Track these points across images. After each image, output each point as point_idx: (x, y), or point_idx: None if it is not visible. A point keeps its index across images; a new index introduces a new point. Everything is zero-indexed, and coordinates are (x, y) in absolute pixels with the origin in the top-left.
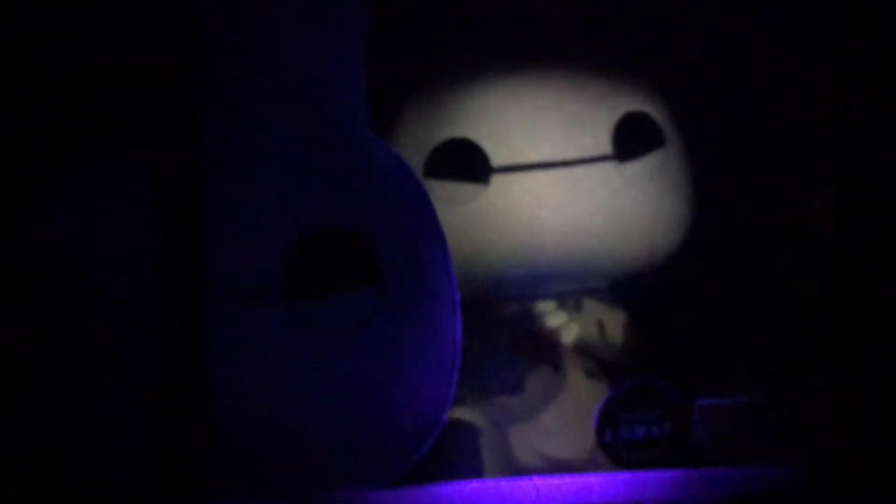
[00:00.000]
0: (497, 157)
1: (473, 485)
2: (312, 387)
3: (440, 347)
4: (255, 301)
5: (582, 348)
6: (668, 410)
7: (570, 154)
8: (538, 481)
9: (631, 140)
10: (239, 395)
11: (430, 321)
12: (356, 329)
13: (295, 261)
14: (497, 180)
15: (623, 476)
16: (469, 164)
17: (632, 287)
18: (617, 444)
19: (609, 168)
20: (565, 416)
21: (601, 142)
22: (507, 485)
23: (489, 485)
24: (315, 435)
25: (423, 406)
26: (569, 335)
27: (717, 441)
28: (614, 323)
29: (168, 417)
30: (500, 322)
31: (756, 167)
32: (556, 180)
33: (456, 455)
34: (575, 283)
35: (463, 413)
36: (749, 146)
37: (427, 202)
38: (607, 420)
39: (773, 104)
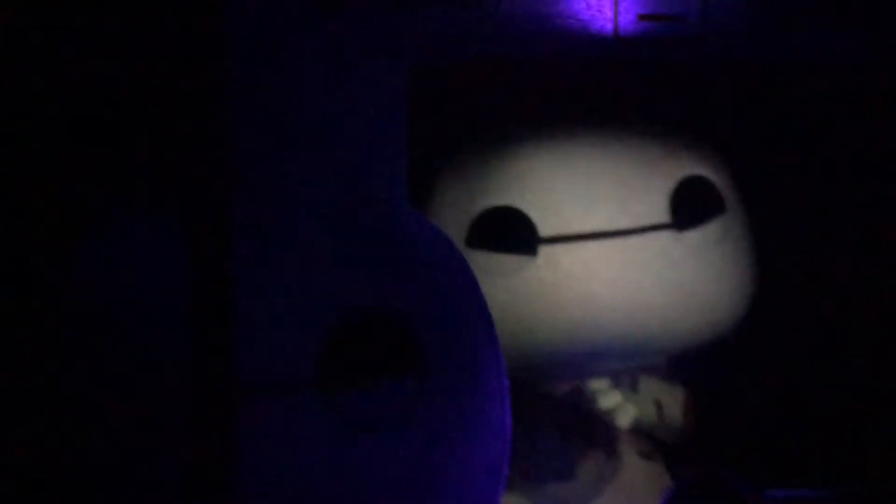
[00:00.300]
0: (545, 227)
1: None
2: (351, 487)
3: (489, 440)
4: (287, 392)
5: (638, 430)
6: None
7: (625, 223)
8: None
9: (690, 207)
10: (271, 496)
11: (477, 411)
12: (397, 422)
13: (330, 348)
14: (545, 251)
15: None
16: (515, 234)
17: (692, 363)
18: None
19: (667, 237)
20: (621, 502)
21: (658, 210)
22: None
23: None
24: None
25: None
26: (625, 417)
27: None
28: (673, 402)
29: None
30: (551, 402)
31: (823, 231)
32: (609, 251)
33: None
34: (630, 360)
35: (510, 500)
36: (815, 210)
37: (471, 279)
38: None
39: (840, 165)
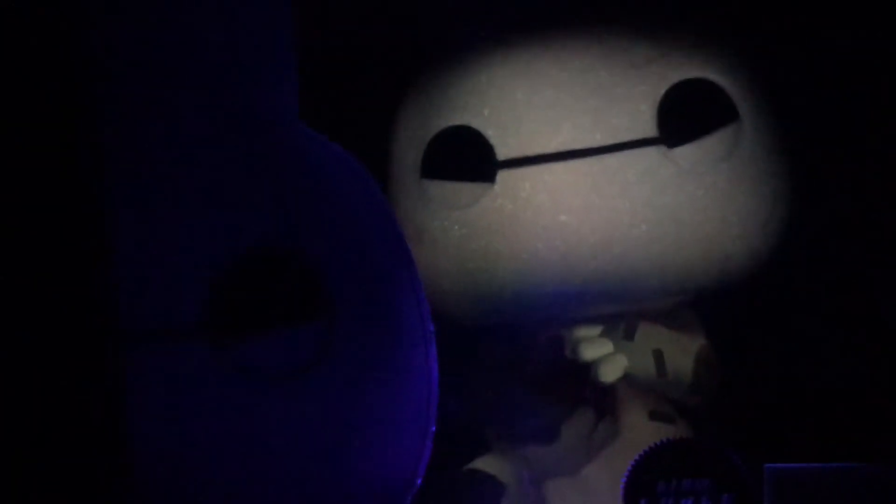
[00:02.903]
0: (504, 148)
1: None
2: (248, 445)
3: (410, 392)
4: (173, 342)
5: (636, 386)
6: (726, 477)
7: (599, 139)
8: None
9: (684, 117)
10: (160, 452)
11: (395, 359)
12: (300, 373)
13: (220, 293)
14: (504, 177)
15: None
16: (469, 158)
17: (711, 308)
18: None
19: (653, 155)
20: (616, 470)
21: (642, 121)
22: None
23: None
24: (256, 501)
25: (390, 465)
26: (610, 369)
27: None
28: (679, 354)
29: (86, 473)
30: (532, 353)
31: (865, 152)
32: (579, 174)
33: None
34: (618, 303)
35: (487, 464)
36: (856, 122)
37: (387, 213)
38: (640, 489)
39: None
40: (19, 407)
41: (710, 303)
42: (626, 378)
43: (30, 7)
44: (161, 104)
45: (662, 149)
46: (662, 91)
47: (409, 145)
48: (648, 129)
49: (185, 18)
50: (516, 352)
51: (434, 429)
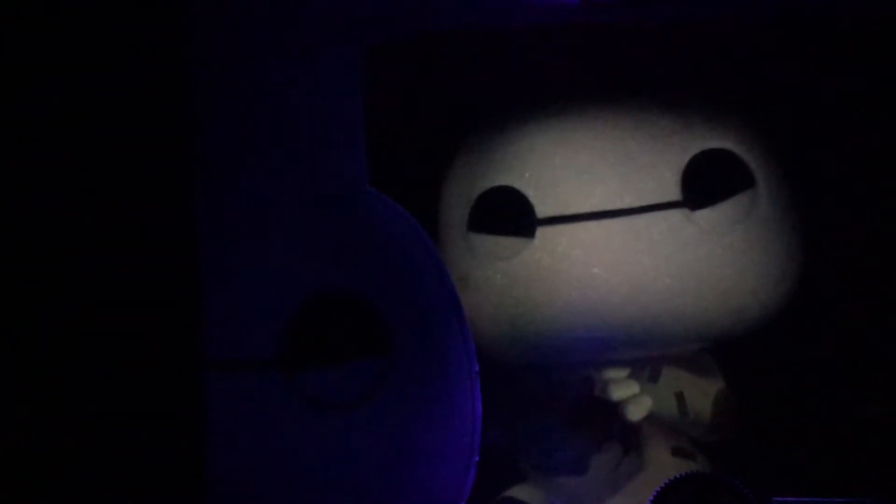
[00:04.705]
0: (543, 207)
1: None
2: (312, 467)
3: (456, 425)
4: (251, 372)
5: (660, 423)
6: None
7: (629, 202)
8: None
9: (705, 183)
10: (235, 470)
11: (443, 395)
12: (360, 404)
13: (294, 329)
14: (543, 233)
15: None
16: (512, 215)
17: (728, 354)
18: None
19: (677, 216)
20: (641, 500)
21: (667, 186)
22: None
23: None
24: None
25: (436, 491)
26: (637, 409)
27: None
28: (699, 396)
29: (166, 490)
30: (564, 391)
31: (876, 210)
32: (611, 232)
33: None
34: (643, 349)
35: (522, 492)
36: (867, 186)
37: (438, 264)
38: None
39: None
40: (113, 423)
41: (728, 350)
42: (651, 417)
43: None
44: (253, 166)
45: (685, 211)
46: (685, 159)
47: (458, 202)
48: (672, 193)
49: (273, 89)
50: (550, 390)
51: (477, 458)
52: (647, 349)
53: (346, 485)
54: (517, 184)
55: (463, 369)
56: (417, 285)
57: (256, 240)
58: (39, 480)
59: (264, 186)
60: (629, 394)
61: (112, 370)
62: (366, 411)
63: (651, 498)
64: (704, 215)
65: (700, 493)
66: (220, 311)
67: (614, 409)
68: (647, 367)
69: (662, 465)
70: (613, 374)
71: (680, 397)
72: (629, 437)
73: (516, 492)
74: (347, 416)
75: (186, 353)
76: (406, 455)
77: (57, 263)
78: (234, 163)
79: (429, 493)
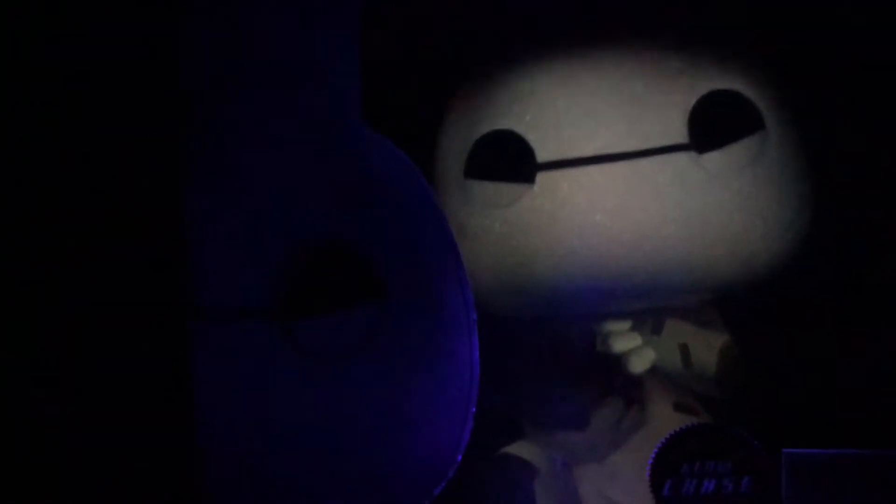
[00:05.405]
0: (544, 152)
1: None
2: (306, 418)
3: (454, 374)
4: (241, 321)
5: (661, 378)
6: (746, 461)
7: (633, 145)
8: None
9: (713, 125)
10: (226, 423)
11: (440, 344)
12: (354, 353)
13: (286, 277)
14: (543, 178)
15: None
16: (511, 160)
17: (734, 306)
18: (679, 500)
19: (684, 160)
20: (642, 457)
21: (674, 129)
22: None
23: None
24: (310, 474)
25: (433, 442)
26: (639, 362)
27: (813, 503)
28: (703, 349)
29: (155, 440)
30: (565, 344)
31: (889, 155)
32: (614, 177)
33: (508, 498)
34: (648, 299)
35: (521, 449)
36: (881, 129)
37: (435, 209)
38: (665, 470)
39: None
40: (99, 372)
41: (734, 301)
42: (654, 370)
43: (130, 13)
44: (238, 105)
45: (692, 154)
46: (693, 100)
47: (456, 147)
48: (679, 135)
49: (263, 28)
50: (551, 343)
51: (474, 409)
52: (651, 300)
53: (338, 437)
54: (517, 128)
55: (460, 317)
56: (412, 231)
57: (246, 182)
58: (21, 435)
59: (254, 128)
60: (631, 346)
61: (92, 317)
62: (360, 361)
63: (656, 449)
64: (712, 159)
65: (707, 446)
66: (207, 257)
67: (616, 363)
68: (649, 319)
69: (665, 420)
70: (615, 326)
71: (684, 350)
72: (631, 392)
73: (516, 448)
74: (341, 367)
75: (172, 301)
76: (402, 405)
77: (33, 207)
78: (223, 103)
79: (425, 444)
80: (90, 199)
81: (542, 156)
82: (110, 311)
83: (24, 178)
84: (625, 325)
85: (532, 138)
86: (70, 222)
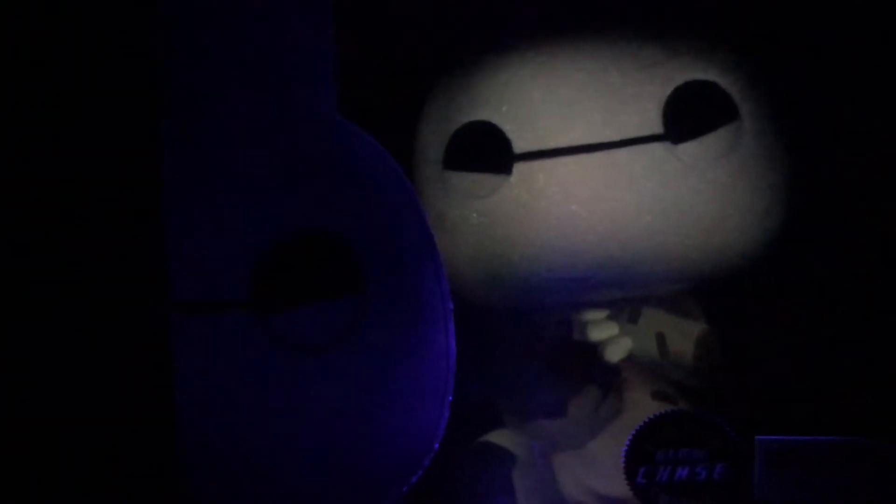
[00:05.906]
0: (521, 142)
1: None
2: (286, 408)
3: (430, 364)
4: (221, 313)
5: (640, 366)
6: (719, 448)
7: (609, 135)
8: None
9: (688, 116)
10: (206, 414)
11: (418, 334)
12: (332, 344)
13: (264, 268)
14: (520, 169)
15: None
16: (488, 151)
17: (710, 295)
18: (653, 487)
19: (659, 151)
20: (619, 445)
21: (649, 119)
22: None
23: None
24: (290, 463)
25: (411, 430)
26: (615, 350)
27: (785, 490)
28: (680, 338)
29: (135, 432)
30: (542, 333)
31: (864, 148)
32: (589, 168)
33: (486, 486)
34: (623, 289)
35: (500, 437)
36: (857, 121)
37: (412, 199)
38: (639, 457)
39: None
40: (77, 365)
41: (710, 290)
42: (631, 358)
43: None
44: (214, 99)
45: (668, 145)
46: (668, 91)
47: (433, 138)
48: (655, 126)
49: (237, 22)
50: (528, 332)
51: (451, 398)
52: (628, 289)
53: (318, 427)
54: (494, 118)
55: (437, 307)
56: (390, 222)
57: (223, 175)
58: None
59: (231, 120)
60: (608, 335)
61: (71, 310)
62: (338, 351)
63: (630, 437)
64: (687, 149)
65: (681, 433)
66: (186, 249)
67: (593, 352)
68: (626, 308)
69: (642, 407)
70: (592, 315)
71: (660, 338)
72: (609, 380)
73: (494, 437)
74: (319, 357)
75: (151, 294)
76: (379, 395)
77: (12, 201)
78: (200, 96)
79: (403, 432)
80: (69, 193)
81: (519, 146)
82: (90, 304)
83: (2, 173)
84: (602, 314)
85: (509, 129)
86: (48, 216)
